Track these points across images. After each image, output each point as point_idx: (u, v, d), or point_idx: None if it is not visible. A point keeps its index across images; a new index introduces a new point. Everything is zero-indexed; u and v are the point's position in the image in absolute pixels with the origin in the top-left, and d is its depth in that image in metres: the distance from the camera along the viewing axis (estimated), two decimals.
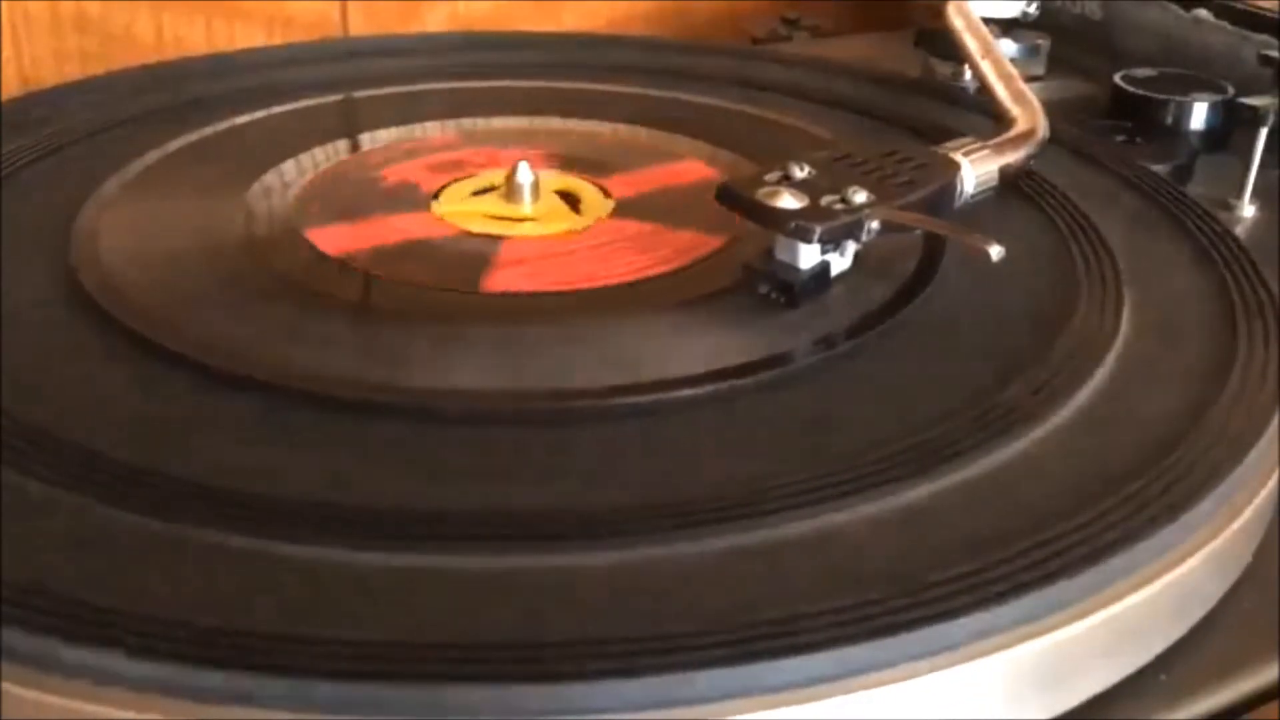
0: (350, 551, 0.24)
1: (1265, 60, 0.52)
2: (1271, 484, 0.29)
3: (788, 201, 0.33)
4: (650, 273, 0.36)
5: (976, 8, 0.48)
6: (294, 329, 0.32)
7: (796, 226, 0.32)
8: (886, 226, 0.33)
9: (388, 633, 0.22)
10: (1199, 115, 0.50)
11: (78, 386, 0.30)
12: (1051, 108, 0.43)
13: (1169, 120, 0.51)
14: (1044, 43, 0.58)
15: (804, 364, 0.32)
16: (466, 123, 0.47)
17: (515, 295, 0.35)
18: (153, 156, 0.42)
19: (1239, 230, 0.44)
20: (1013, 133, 0.40)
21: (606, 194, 0.41)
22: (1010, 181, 0.39)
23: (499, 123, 0.47)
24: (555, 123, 0.47)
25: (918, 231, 0.36)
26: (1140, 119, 0.50)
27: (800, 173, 0.34)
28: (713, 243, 0.37)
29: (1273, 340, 0.32)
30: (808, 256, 0.33)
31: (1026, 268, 0.36)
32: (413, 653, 0.22)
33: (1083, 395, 0.30)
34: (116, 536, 0.25)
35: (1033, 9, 0.55)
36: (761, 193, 0.33)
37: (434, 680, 0.21)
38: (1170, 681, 0.26)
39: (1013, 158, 0.38)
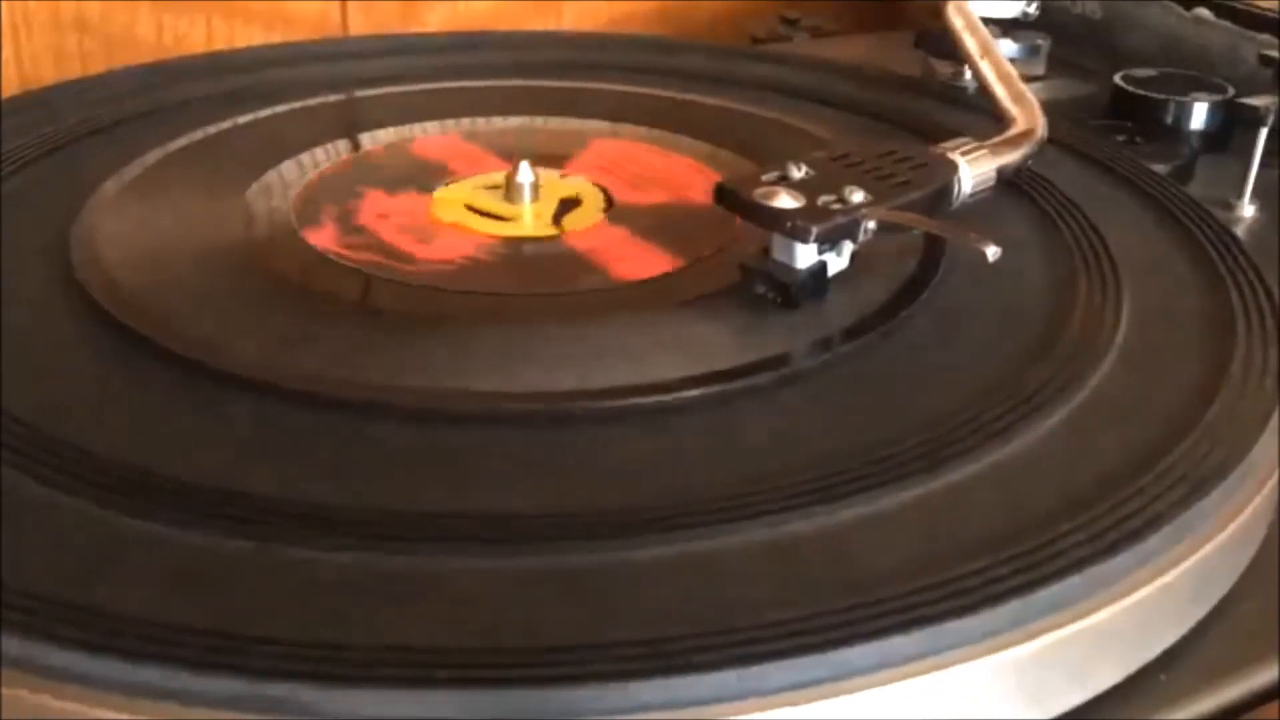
0: (351, 553, 0.24)
1: (1265, 60, 0.52)
2: (1271, 484, 0.29)
3: (785, 201, 0.33)
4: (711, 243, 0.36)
5: (976, 8, 0.48)
6: (293, 329, 0.32)
7: (793, 226, 0.32)
8: (884, 226, 0.33)
9: (390, 636, 0.22)
10: (1199, 115, 0.50)
11: (77, 386, 0.30)
12: (1051, 108, 0.43)
13: (1169, 120, 0.51)
14: (1044, 43, 0.58)
15: (802, 365, 0.32)
16: (438, 124, 0.47)
17: (514, 296, 0.35)
18: (153, 156, 0.42)
19: (1239, 230, 0.44)
20: (1011, 133, 0.40)
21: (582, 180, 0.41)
22: (1009, 181, 0.39)
23: (499, 123, 0.47)
24: (553, 122, 0.47)
25: (916, 231, 0.36)
26: (1140, 119, 0.50)
27: (798, 172, 0.34)
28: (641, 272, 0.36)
29: (1272, 340, 0.32)
30: (805, 256, 0.33)
31: (1026, 268, 0.36)
32: (413, 657, 0.22)
33: (1082, 395, 0.30)
34: (116, 537, 0.25)
35: (1033, 9, 0.55)
36: (759, 192, 0.33)
37: (433, 684, 0.21)
38: (1170, 681, 0.26)
39: (1010, 158, 0.38)
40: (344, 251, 0.36)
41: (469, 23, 0.68)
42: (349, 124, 0.46)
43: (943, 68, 0.57)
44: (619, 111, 0.47)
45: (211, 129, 0.44)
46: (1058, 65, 0.59)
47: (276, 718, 0.21)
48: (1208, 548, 0.26)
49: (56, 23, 0.60)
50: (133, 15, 0.61)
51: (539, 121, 0.47)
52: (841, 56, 0.57)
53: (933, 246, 0.36)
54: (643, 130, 0.46)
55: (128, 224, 0.37)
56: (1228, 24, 0.56)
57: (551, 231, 0.38)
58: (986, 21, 0.48)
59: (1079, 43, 0.61)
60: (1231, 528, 0.27)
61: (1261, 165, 0.45)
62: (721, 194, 0.34)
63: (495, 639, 0.22)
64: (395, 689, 0.21)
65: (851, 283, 0.34)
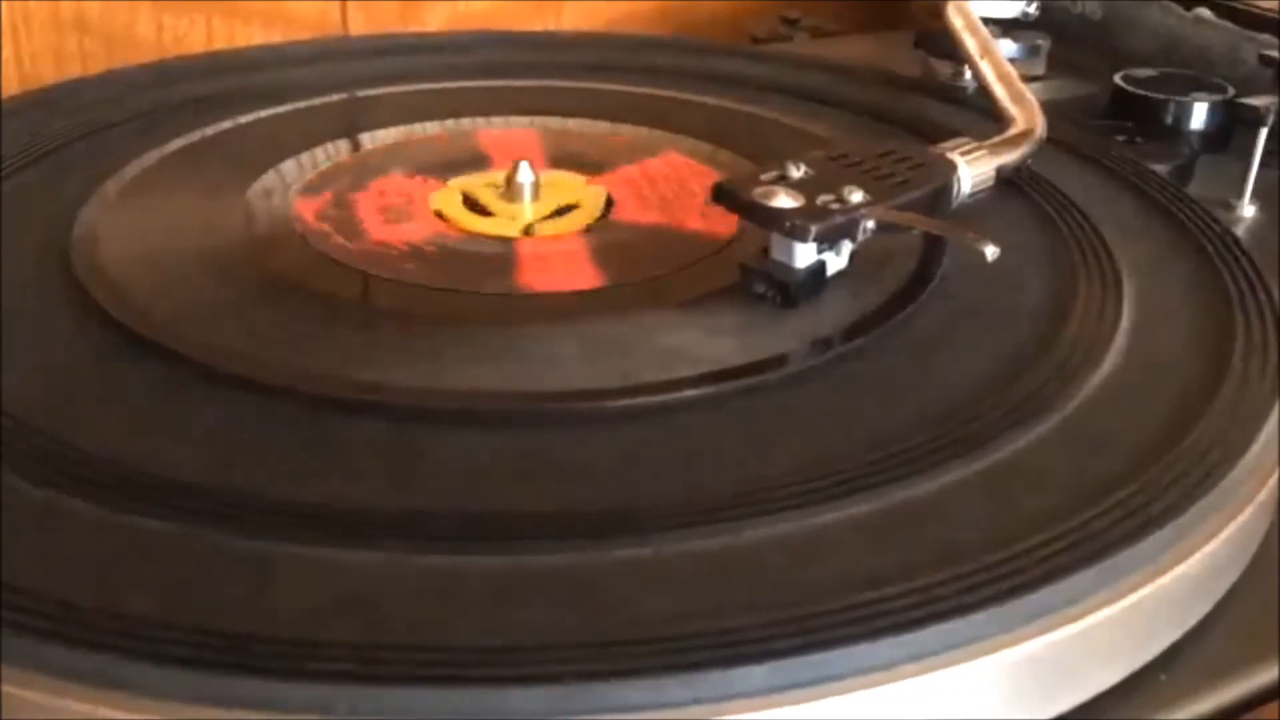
0: (350, 552, 0.24)
1: (1265, 60, 0.52)
2: (1271, 484, 0.29)
3: (784, 201, 0.33)
4: (659, 270, 0.36)
5: (976, 8, 0.48)
6: (294, 329, 0.32)
7: (792, 226, 0.32)
8: (882, 226, 0.33)
9: (389, 634, 0.22)
10: (1199, 115, 0.50)
11: (77, 386, 0.30)
12: (1051, 108, 0.43)
13: (1169, 120, 0.51)
14: (1044, 43, 0.58)
15: (801, 365, 0.32)
16: (451, 124, 0.47)
17: (519, 296, 0.35)
18: (153, 156, 0.42)
19: (1239, 230, 0.44)
20: (1010, 133, 0.40)
21: (599, 190, 0.41)
22: (1009, 181, 0.39)
23: (499, 121, 0.47)
24: (552, 122, 0.47)
25: (915, 231, 0.36)
26: (1140, 119, 0.50)
27: (797, 172, 0.34)
28: (720, 233, 0.37)
29: (1272, 340, 0.32)
30: (804, 256, 0.33)
31: (1026, 268, 0.36)
32: (412, 654, 0.22)
33: (1081, 395, 0.30)
34: (116, 537, 0.25)
35: (1033, 9, 0.55)
36: (758, 192, 0.33)
37: (432, 682, 0.21)
38: (1170, 681, 0.26)
39: (1010, 158, 0.38)
40: (311, 221, 0.37)
41: (469, 23, 0.68)
42: (349, 124, 0.46)
43: (943, 68, 0.57)
44: (619, 111, 0.47)
45: (211, 129, 0.44)
46: (1058, 65, 0.59)
47: (274, 717, 0.21)
48: (1208, 548, 0.26)
49: (56, 23, 0.60)
50: (133, 15, 0.61)
51: (538, 121, 0.47)
52: (841, 56, 0.57)
53: (932, 246, 0.36)
54: (643, 130, 0.46)
55: (128, 224, 0.37)
56: (1228, 24, 0.56)
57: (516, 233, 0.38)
58: (986, 21, 0.48)
59: (1079, 43, 0.61)
60: (1231, 528, 0.27)
61: (1261, 165, 0.45)
62: (720, 193, 0.34)
63: (491, 638, 0.22)
64: (390, 686, 0.21)
65: (851, 282, 0.34)
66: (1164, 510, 0.26)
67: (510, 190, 0.39)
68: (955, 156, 0.37)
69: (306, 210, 0.39)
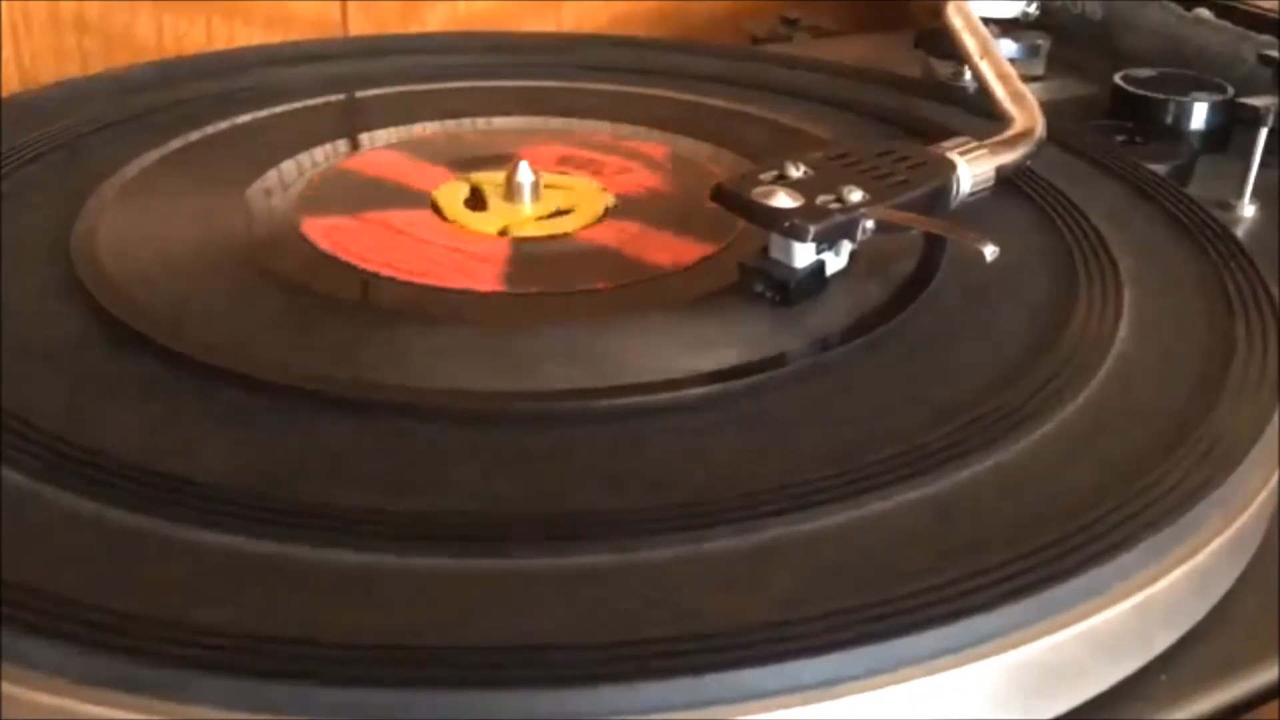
0: (350, 552, 0.24)
1: (1265, 60, 0.52)
2: (1271, 485, 0.29)
3: (783, 200, 0.33)
4: (657, 269, 0.36)
5: (976, 8, 0.48)
6: (294, 328, 0.32)
7: (791, 225, 0.32)
8: (882, 226, 0.33)
9: (388, 635, 0.22)
10: (1199, 115, 0.50)
11: (78, 386, 0.30)
12: (1051, 108, 0.43)
13: (1169, 120, 0.51)
14: (1044, 43, 0.58)
15: (799, 365, 0.32)
16: (451, 124, 0.47)
17: (515, 295, 0.35)
18: (153, 156, 0.42)
19: (1239, 230, 0.44)
20: (1010, 132, 0.40)
21: (598, 190, 0.41)
22: (1009, 181, 0.39)
23: (515, 122, 0.47)
24: (552, 122, 0.47)
25: (914, 231, 0.36)
26: (1140, 119, 0.50)
27: (796, 172, 0.34)
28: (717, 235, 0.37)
29: (1272, 341, 0.32)
30: (803, 255, 0.33)
31: (1026, 268, 0.36)
32: (410, 655, 0.22)
33: (1081, 397, 0.30)
34: (117, 536, 0.25)
35: (1033, 9, 0.55)
36: (757, 191, 0.33)
37: (431, 684, 0.21)
38: (1170, 681, 0.26)
39: (1009, 157, 0.38)
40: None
41: (469, 23, 0.68)
42: (349, 124, 0.46)
43: (943, 68, 0.57)
44: (619, 111, 0.47)
45: (211, 129, 0.44)
46: (1058, 65, 0.59)
47: (280, 718, 0.21)
48: (1208, 548, 0.26)
49: (56, 22, 0.60)
50: (133, 15, 0.61)
51: (538, 122, 0.47)
52: (841, 56, 0.57)
53: (932, 246, 0.36)
54: (642, 130, 0.46)
55: (128, 223, 0.37)
56: (1228, 24, 0.56)
57: (562, 229, 0.38)
58: (986, 21, 0.48)
59: (1079, 43, 0.61)
60: (1232, 528, 0.27)
61: (1261, 165, 0.45)
62: (720, 193, 0.34)
63: (491, 639, 0.22)
64: (400, 689, 0.21)
65: (849, 282, 0.34)
66: (1164, 511, 0.26)
67: (510, 190, 0.39)
68: (955, 156, 0.37)
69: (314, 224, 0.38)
